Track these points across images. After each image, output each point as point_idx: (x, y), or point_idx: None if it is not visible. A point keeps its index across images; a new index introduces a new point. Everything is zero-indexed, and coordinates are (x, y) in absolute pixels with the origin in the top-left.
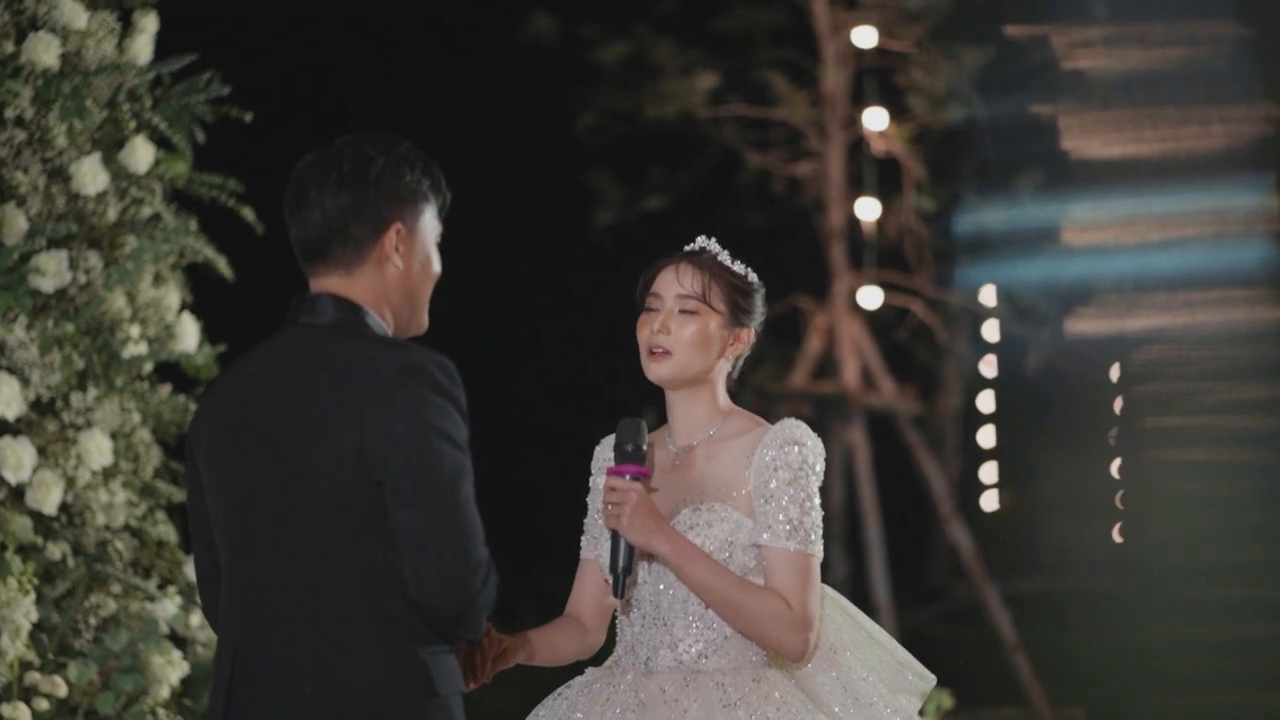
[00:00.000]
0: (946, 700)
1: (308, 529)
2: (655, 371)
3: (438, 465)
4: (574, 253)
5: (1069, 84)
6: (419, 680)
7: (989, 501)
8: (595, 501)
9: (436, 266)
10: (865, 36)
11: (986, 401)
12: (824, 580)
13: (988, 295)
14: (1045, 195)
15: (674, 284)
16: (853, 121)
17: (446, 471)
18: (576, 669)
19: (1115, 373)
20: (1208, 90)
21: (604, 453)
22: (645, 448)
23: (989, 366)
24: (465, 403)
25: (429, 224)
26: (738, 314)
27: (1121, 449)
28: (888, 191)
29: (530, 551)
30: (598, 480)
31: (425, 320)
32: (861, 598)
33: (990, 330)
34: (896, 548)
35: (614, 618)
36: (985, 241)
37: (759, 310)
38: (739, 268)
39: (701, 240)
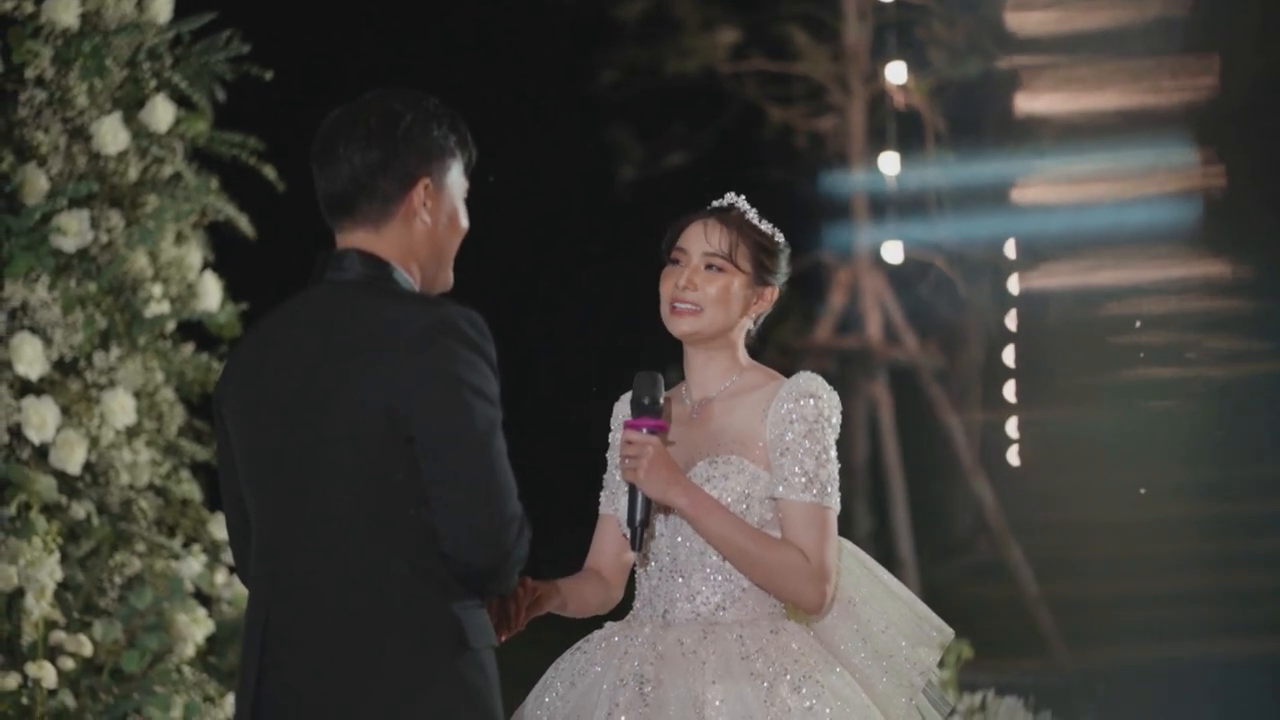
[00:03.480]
0: (967, 650)
1: (337, 486)
2: (678, 327)
3: (469, 420)
4: (597, 210)
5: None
6: (452, 635)
7: (1012, 455)
8: (614, 457)
9: (464, 222)
10: None
11: (1010, 355)
12: (847, 535)
13: (1010, 249)
14: (1062, 148)
15: (701, 240)
16: (874, 75)
17: (478, 426)
18: (594, 623)
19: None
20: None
21: (623, 409)
22: (662, 401)
23: (1012, 320)
24: (495, 357)
25: (456, 180)
26: (762, 273)
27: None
28: (910, 145)
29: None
30: (616, 436)
31: (451, 277)
32: (885, 552)
33: (1013, 283)
34: (919, 502)
35: (633, 571)
36: (1010, 194)
37: (783, 270)
38: (766, 227)
39: (730, 197)
